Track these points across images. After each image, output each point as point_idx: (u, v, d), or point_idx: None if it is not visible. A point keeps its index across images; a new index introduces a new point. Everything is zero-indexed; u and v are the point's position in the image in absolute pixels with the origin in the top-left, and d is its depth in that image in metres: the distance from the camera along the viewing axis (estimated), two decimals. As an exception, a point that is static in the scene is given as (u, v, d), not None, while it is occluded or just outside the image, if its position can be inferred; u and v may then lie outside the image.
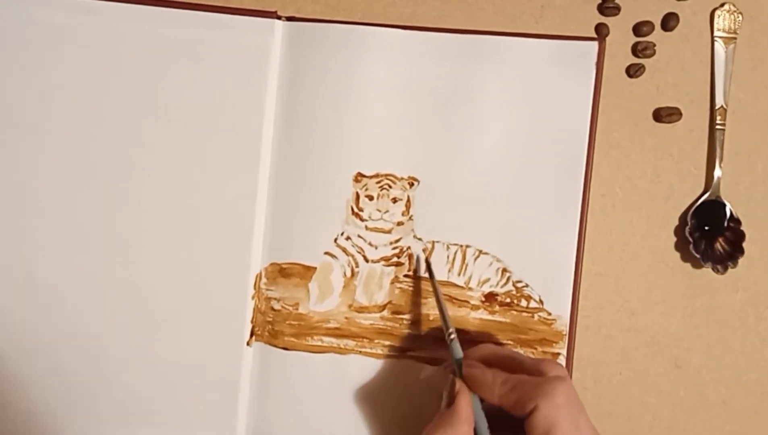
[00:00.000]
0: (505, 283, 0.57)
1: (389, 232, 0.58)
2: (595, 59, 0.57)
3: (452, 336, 0.53)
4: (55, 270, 0.59)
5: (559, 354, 0.56)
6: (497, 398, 0.48)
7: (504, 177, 0.58)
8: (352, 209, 0.58)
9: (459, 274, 0.58)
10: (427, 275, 0.57)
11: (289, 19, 0.59)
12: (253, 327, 0.59)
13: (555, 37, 0.58)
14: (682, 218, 0.61)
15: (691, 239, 0.60)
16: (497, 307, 0.57)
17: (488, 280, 0.58)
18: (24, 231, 0.59)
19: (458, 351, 0.52)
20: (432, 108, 0.58)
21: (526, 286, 0.57)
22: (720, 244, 0.60)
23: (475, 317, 0.58)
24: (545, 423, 0.46)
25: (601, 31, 0.61)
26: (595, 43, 0.57)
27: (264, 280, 0.59)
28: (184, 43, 0.59)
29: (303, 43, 0.59)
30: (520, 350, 0.57)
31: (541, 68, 0.57)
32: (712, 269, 0.60)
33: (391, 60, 0.58)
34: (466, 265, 0.58)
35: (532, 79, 0.57)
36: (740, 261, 0.60)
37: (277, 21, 0.59)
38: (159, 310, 0.59)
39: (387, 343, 0.58)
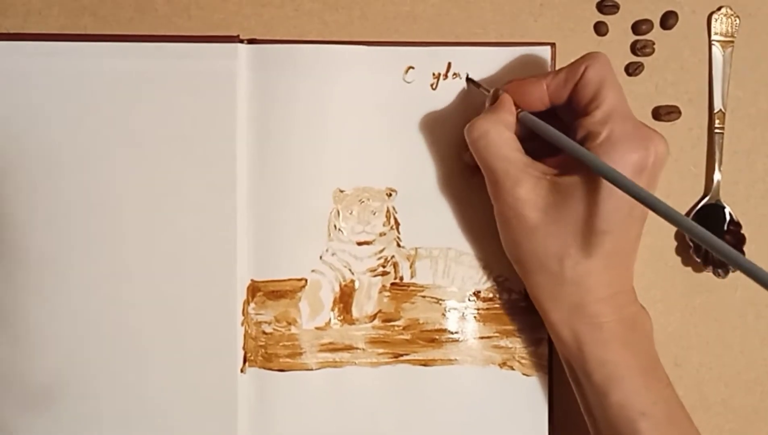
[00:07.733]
0: (487, 280, 0.60)
1: (372, 243, 0.60)
2: (549, 63, 0.60)
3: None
4: (39, 307, 0.56)
5: (542, 339, 0.60)
6: (545, 86, 0.53)
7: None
8: (335, 225, 0.59)
9: (443, 276, 0.60)
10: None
11: (251, 41, 0.59)
12: (245, 353, 0.58)
13: (510, 44, 0.60)
14: (682, 223, 0.62)
15: (691, 244, 0.61)
16: (481, 303, 0.60)
17: (470, 278, 0.60)
18: (3, 270, 0.56)
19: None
20: (402, 119, 0.60)
21: (507, 279, 0.60)
22: (720, 248, 0.62)
23: (462, 314, 0.60)
24: (597, 77, 0.50)
25: (600, 30, 0.62)
26: (548, 48, 0.60)
27: (252, 305, 0.58)
28: (149, 75, 0.57)
29: (268, 64, 0.58)
30: (506, 341, 0.60)
31: (501, 75, 0.59)
32: (713, 274, 0.61)
33: (358, 76, 0.59)
34: (449, 267, 0.60)
35: (492, 85, 0.58)
36: (740, 260, 0.62)
37: (239, 45, 0.58)
38: (148, 346, 0.57)
39: (381, 350, 0.59)
